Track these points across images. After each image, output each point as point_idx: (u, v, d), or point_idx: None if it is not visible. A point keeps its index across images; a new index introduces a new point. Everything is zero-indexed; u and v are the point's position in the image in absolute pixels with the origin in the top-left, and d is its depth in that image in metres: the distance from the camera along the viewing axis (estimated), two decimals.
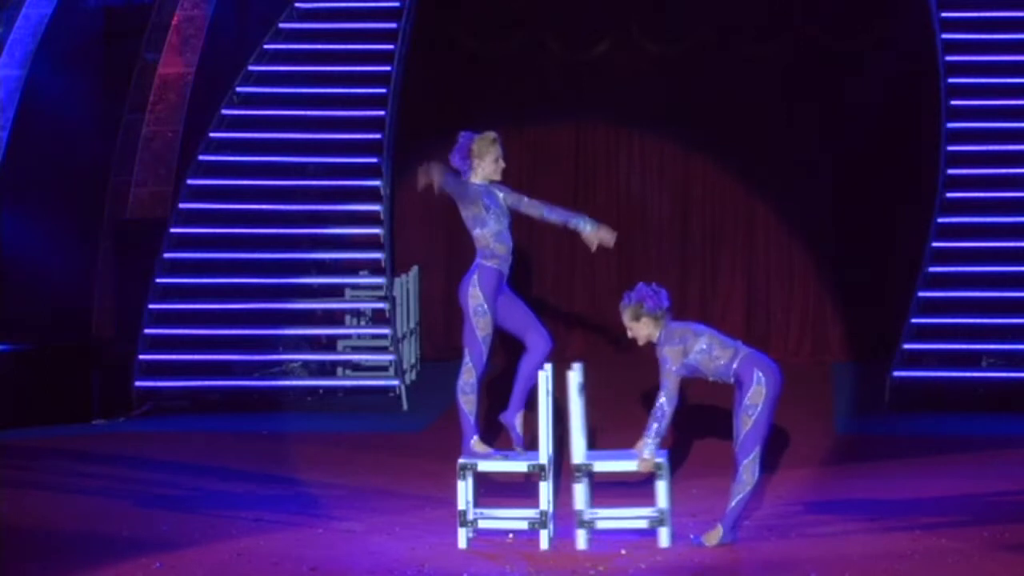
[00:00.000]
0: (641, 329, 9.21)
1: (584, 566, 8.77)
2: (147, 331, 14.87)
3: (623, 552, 9.01)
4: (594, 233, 9.58)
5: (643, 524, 9.22)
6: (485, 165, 9.55)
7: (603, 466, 9.31)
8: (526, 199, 9.64)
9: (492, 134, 9.63)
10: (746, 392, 9.09)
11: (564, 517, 9.73)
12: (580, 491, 9.19)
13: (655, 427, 9.06)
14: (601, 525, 9.24)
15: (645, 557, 8.93)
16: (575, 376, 9.21)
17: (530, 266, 17.68)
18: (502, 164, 9.63)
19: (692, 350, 9.14)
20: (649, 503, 9.18)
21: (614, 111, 17.44)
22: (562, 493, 10.29)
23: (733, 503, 9.11)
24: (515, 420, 9.59)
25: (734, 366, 9.09)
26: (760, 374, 9.08)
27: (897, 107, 16.58)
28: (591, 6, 17.28)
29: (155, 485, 11.29)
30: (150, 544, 9.38)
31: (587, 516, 9.18)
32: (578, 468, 9.19)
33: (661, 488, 9.16)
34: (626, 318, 9.22)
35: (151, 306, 14.97)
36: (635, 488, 9.59)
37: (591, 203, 17.77)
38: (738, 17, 17.18)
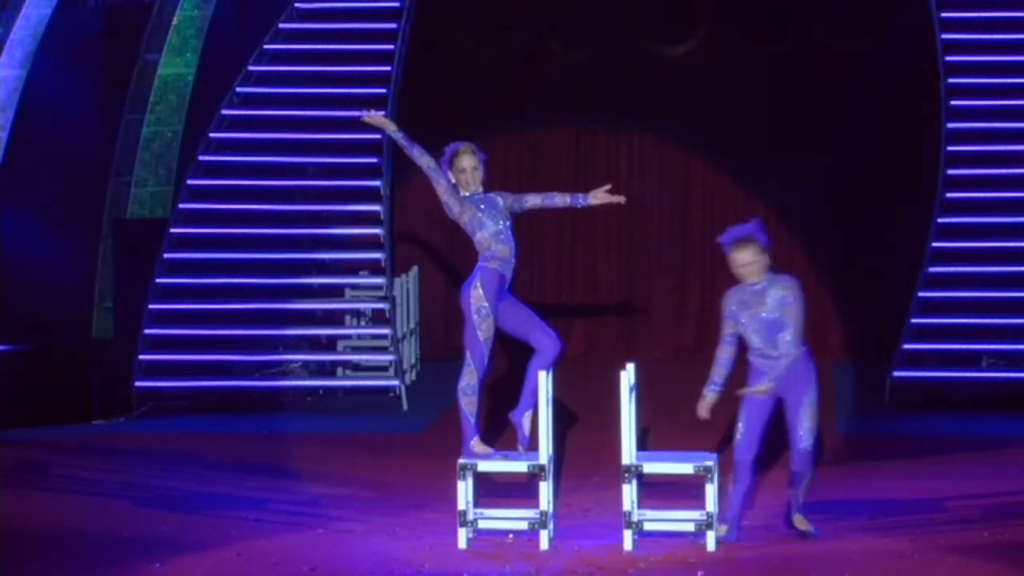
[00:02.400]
0: (757, 263, 9.22)
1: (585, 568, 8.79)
2: (147, 331, 14.87)
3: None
4: (599, 199, 9.60)
5: (690, 527, 9.22)
6: (456, 175, 9.56)
7: (653, 467, 9.31)
8: (525, 196, 9.65)
9: (466, 145, 9.62)
10: (806, 379, 9.22)
11: (565, 517, 9.75)
12: (628, 492, 9.18)
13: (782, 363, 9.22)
14: (648, 527, 9.23)
15: (646, 558, 8.95)
16: (627, 376, 9.18)
17: (531, 265, 17.69)
18: (472, 176, 9.57)
19: None
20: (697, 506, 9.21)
21: (614, 111, 17.44)
22: (563, 493, 10.30)
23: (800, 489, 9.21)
24: (523, 419, 9.60)
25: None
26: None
27: (897, 107, 16.58)
28: (591, 6, 17.28)
29: (155, 485, 11.28)
30: (150, 544, 9.38)
31: (635, 517, 9.18)
32: (627, 469, 9.18)
33: (709, 491, 9.16)
34: (747, 254, 9.20)
35: (151, 306, 14.96)
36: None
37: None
38: (738, 17, 17.18)
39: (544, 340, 9.55)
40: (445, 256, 17.00)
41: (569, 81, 17.51)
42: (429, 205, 16.90)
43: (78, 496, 10.95)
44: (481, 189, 9.63)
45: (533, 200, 9.67)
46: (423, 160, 9.51)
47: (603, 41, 17.43)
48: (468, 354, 9.51)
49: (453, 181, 9.58)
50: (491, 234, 9.55)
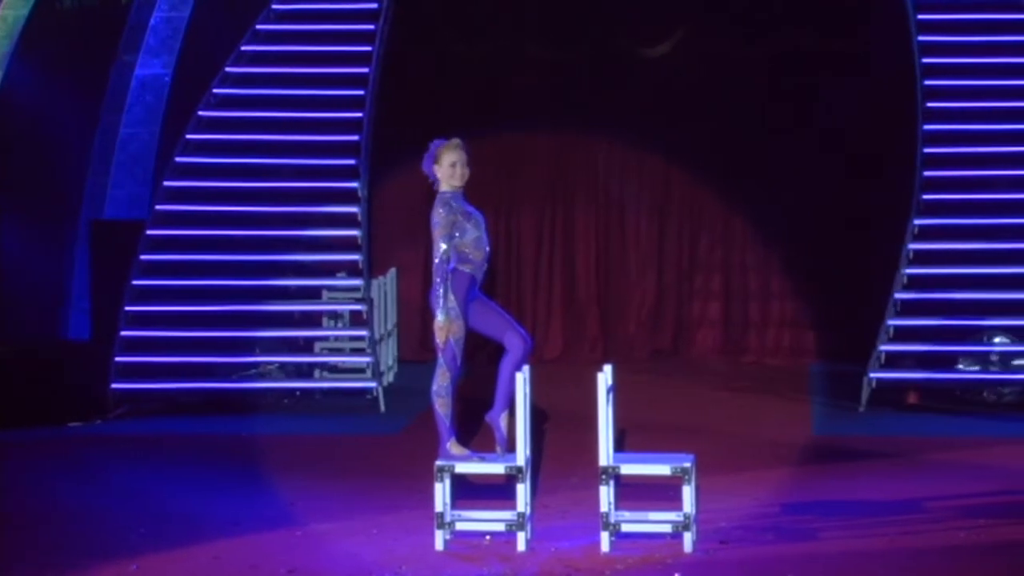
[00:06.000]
0: None
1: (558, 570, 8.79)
2: (123, 333, 14.83)
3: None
4: (439, 323, 9.49)
5: (667, 528, 9.22)
6: (442, 170, 9.57)
7: (630, 469, 9.32)
8: (442, 252, 9.54)
9: (455, 140, 9.64)
10: None
11: (543, 518, 9.75)
12: (606, 493, 9.19)
13: None
14: (626, 528, 9.24)
15: (623, 559, 8.95)
16: (604, 378, 9.19)
17: (509, 267, 17.70)
18: (461, 170, 9.58)
19: None
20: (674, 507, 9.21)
21: (593, 113, 17.45)
22: (541, 495, 10.30)
23: None
24: (499, 420, 9.61)
25: None
26: None
27: (875, 109, 16.60)
28: (570, 8, 17.28)
29: (131, 488, 11.26)
30: (127, 547, 9.36)
31: (613, 518, 9.18)
32: (605, 470, 9.19)
33: (687, 492, 9.17)
34: None
35: (127, 308, 14.92)
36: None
37: (569, 205, 17.82)
38: (718, 21, 17.20)
39: (514, 340, 9.57)
40: (423, 258, 16.99)
41: (547, 82, 17.50)
42: (407, 206, 17.02)
43: (54, 499, 10.91)
44: (462, 189, 9.64)
45: (443, 264, 9.54)
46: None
47: (581, 42, 17.43)
48: (440, 355, 9.53)
49: (435, 177, 9.57)
50: (471, 240, 9.56)
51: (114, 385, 14.60)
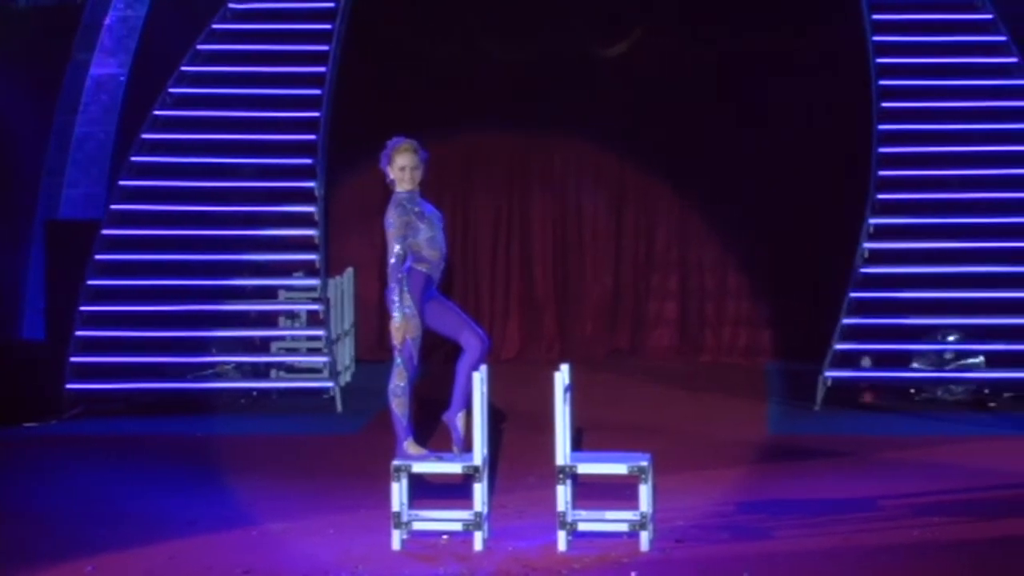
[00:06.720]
0: None
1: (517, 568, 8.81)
2: (79, 333, 14.77)
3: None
4: (396, 324, 9.51)
5: (624, 527, 9.24)
6: (393, 172, 9.60)
7: (587, 468, 9.32)
8: (396, 253, 9.55)
9: (407, 143, 9.66)
10: None
11: (500, 518, 9.75)
12: (563, 493, 9.19)
13: None
14: (583, 527, 9.24)
15: (579, 558, 8.97)
16: (561, 377, 9.20)
17: (466, 267, 17.70)
18: (411, 174, 9.60)
19: None
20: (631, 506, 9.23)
21: (550, 112, 17.45)
22: (498, 494, 10.31)
23: None
24: (456, 419, 9.62)
25: None
26: None
27: (831, 109, 16.67)
28: (528, 9, 17.29)
29: (87, 488, 11.22)
30: (82, 547, 9.33)
31: (570, 518, 9.19)
32: (562, 469, 9.20)
33: (644, 491, 9.18)
34: None
35: (83, 308, 14.86)
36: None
37: (526, 205, 17.83)
38: (673, 19, 17.24)
39: (471, 339, 9.59)
40: (380, 257, 16.95)
41: (505, 82, 17.51)
42: (364, 206, 16.99)
43: (8, 500, 10.87)
44: (418, 189, 9.66)
45: (398, 265, 9.56)
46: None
47: (539, 42, 17.44)
48: (397, 355, 9.53)
49: (392, 177, 9.60)
50: (425, 240, 9.58)
51: (69, 385, 14.54)
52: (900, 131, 15.17)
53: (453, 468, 9.41)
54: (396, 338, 9.48)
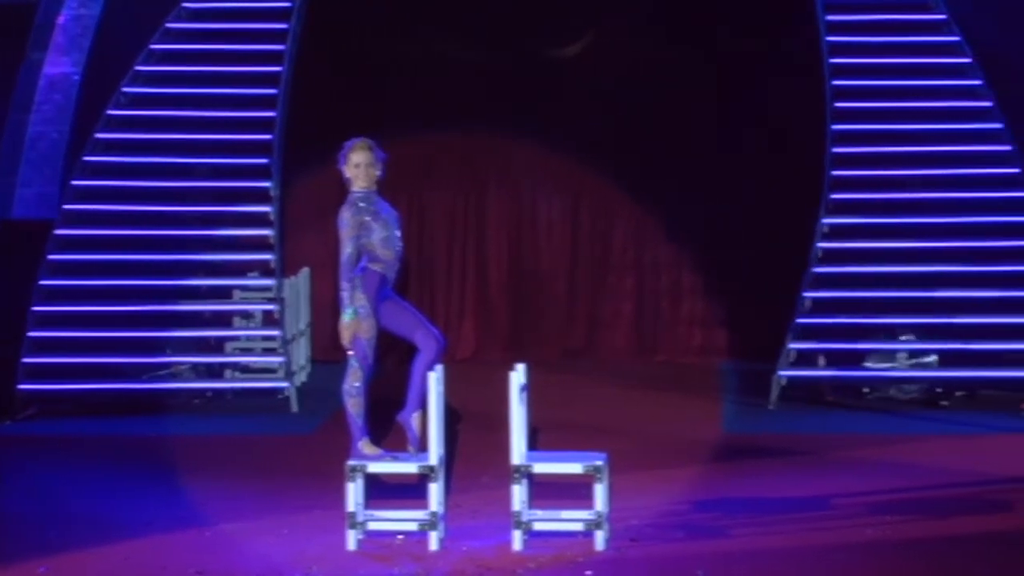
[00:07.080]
0: None
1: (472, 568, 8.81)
2: (32, 334, 14.70)
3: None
4: (343, 323, 9.52)
5: (579, 526, 9.25)
6: (349, 170, 9.61)
7: (543, 467, 9.32)
8: (348, 253, 9.57)
9: (362, 141, 9.67)
10: None
11: (455, 518, 9.75)
12: (518, 492, 9.20)
13: None
14: (538, 527, 9.25)
15: (535, 558, 8.98)
16: (517, 377, 9.21)
17: (421, 267, 17.68)
18: (366, 171, 9.60)
19: None
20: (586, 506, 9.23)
21: (505, 114, 17.45)
22: (453, 494, 10.31)
23: None
24: (411, 419, 9.62)
25: None
26: None
27: (787, 109, 16.70)
28: (485, 8, 17.28)
29: (40, 489, 11.17)
30: (35, 549, 9.29)
31: (525, 517, 9.19)
32: (517, 469, 9.20)
33: (599, 491, 9.20)
34: None
35: (36, 308, 14.79)
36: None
37: (482, 205, 17.83)
38: (632, 20, 17.27)
39: (426, 339, 9.59)
40: (335, 257, 16.90)
41: (460, 83, 17.49)
42: (320, 206, 16.95)
43: None
44: (375, 187, 9.65)
45: (349, 264, 9.58)
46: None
47: (495, 43, 17.45)
48: (351, 355, 9.53)
49: (348, 176, 9.60)
50: (379, 240, 9.59)
51: (22, 386, 14.46)
52: (854, 131, 15.24)
53: (408, 468, 9.41)
54: (344, 338, 9.49)
